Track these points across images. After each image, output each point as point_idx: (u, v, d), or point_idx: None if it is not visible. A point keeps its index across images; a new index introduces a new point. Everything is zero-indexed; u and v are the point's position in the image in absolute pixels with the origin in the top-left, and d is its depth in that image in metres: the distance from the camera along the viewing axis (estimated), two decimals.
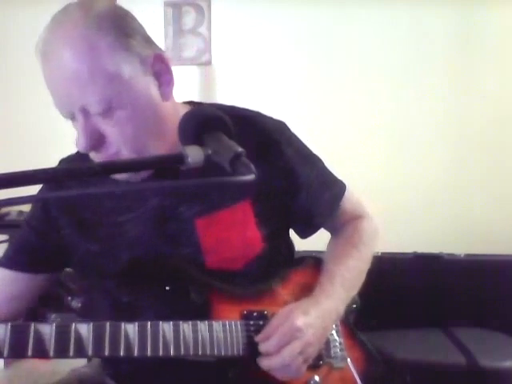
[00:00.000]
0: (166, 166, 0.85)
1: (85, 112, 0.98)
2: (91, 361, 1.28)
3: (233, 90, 3.03)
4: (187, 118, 0.82)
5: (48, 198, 1.12)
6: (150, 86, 1.03)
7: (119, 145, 1.01)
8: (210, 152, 0.75)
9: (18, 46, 3.18)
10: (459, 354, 2.22)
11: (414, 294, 2.53)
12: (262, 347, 1.00)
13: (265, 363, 1.00)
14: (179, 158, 0.74)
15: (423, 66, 2.98)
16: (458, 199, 2.94)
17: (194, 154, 0.74)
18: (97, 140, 0.99)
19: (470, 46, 2.96)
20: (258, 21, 3.10)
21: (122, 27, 1.00)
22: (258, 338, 1.02)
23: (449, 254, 2.66)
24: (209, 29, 3.10)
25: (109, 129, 0.99)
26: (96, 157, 1.02)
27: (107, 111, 0.97)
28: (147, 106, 1.01)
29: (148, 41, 1.04)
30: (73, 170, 0.78)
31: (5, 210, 2.98)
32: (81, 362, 1.30)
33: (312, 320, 1.02)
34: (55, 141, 3.10)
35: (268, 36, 3.07)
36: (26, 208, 3.23)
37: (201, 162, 0.74)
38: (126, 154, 1.01)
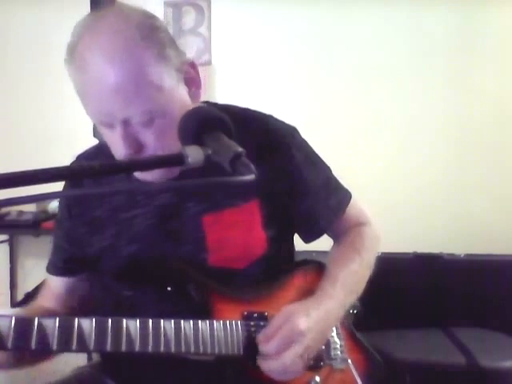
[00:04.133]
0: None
1: (126, 123, 0.98)
2: (91, 361, 1.28)
3: (233, 89, 3.03)
4: (187, 118, 0.82)
5: (49, 197, 1.12)
6: (184, 93, 1.04)
7: (156, 151, 1.01)
8: (209, 152, 0.75)
9: (19, 47, 3.19)
10: (459, 354, 2.22)
11: (414, 294, 2.53)
12: (263, 348, 1.00)
13: (264, 366, 0.99)
14: (179, 158, 0.74)
15: (423, 66, 2.98)
16: (457, 199, 2.94)
17: (194, 154, 0.74)
18: (135, 148, 1.00)
19: (469, 45, 2.96)
20: (258, 21, 3.10)
21: (159, 37, 0.99)
22: (258, 339, 1.01)
23: (449, 254, 2.66)
24: (209, 29, 3.11)
25: (147, 137, 1.00)
26: None
27: (149, 121, 0.98)
28: (183, 112, 1.02)
29: (177, 47, 1.04)
30: (74, 169, 0.79)
31: (5, 210, 2.98)
32: (81, 362, 1.30)
33: (312, 324, 1.02)
34: (55, 141, 3.11)
35: (268, 36, 3.07)
36: (26, 208, 3.24)
37: (201, 162, 0.74)
38: None
